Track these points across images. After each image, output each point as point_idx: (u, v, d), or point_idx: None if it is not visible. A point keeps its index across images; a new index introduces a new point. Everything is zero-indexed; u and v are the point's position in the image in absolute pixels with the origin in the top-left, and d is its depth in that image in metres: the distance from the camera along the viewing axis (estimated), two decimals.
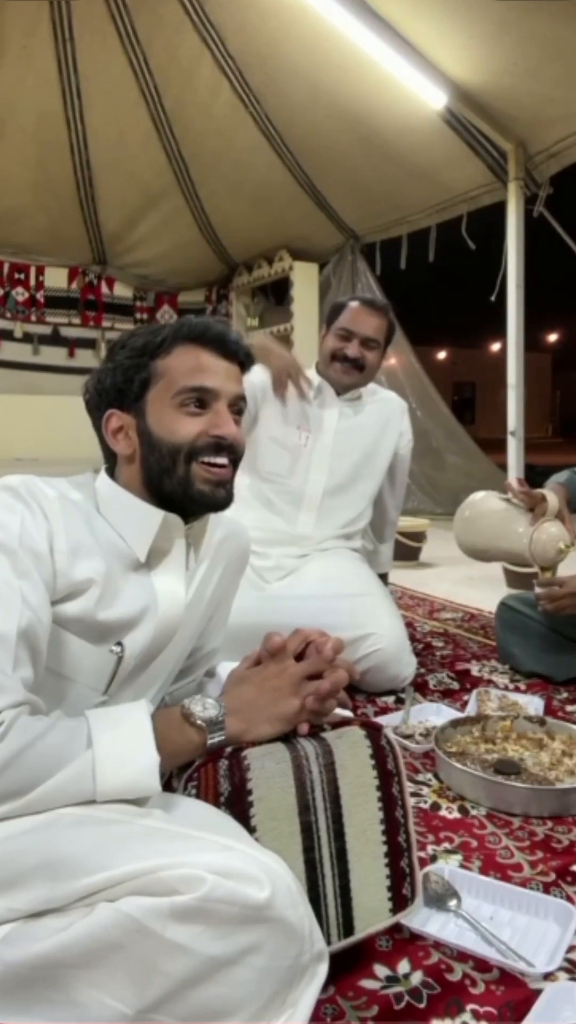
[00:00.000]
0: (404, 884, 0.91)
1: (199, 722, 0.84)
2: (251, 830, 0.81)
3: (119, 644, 0.92)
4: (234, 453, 0.98)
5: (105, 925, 0.64)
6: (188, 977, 0.64)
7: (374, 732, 0.94)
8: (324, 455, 2.08)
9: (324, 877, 0.85)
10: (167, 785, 0.86)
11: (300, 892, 0.71)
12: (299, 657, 0.93)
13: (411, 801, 1.23)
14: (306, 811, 0.85)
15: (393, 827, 0.91)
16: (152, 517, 0.95)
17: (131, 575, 0.95)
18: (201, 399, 0.95)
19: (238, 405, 0.99)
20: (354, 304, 2.07)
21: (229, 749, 0.85)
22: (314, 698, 0.89)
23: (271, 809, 0.83)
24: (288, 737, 0.89)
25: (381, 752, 0.93)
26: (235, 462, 0.98)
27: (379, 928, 0.90)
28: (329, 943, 0.83)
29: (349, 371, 2.06)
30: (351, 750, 0.91)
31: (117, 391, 0.97)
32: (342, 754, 0.90)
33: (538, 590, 1.92)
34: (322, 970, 0.72)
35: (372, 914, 0.88)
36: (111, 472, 1.01)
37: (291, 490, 2.08)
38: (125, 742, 0.77)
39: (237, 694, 0.90)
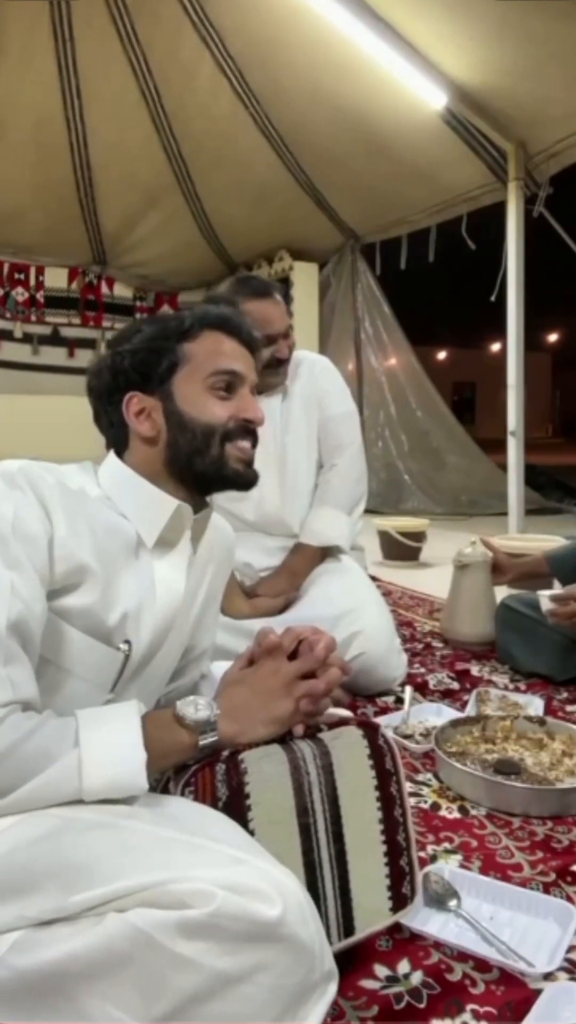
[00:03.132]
0: (404, 883, 0.91)
1: (190, 723, 0.83)
2: (250, 834, 0.81)
3: (127, 642, 0.91)
4: (255, 436, 1.01)
5: (114, 936, 0.64)
6: (196, 992, 0.63)
7: (371, 732, 0.93)
8: (271, 467, 2.02)
9: (324, 879, 0.85)
10: (164, 790, 0.85)
11: (311, 909, 0.70)
12: (292, 656, 0.92)
13: (410, 801, 1.23)
14: (304, 813, 0.85)
15: (392, 826, 0.91)
16: (165, 504, 0.96)
17: (132, 563, 0.94)
18: (230, 383, 0.98)
19: (254, 392, 1.03)
20: (250, 305, 1.86)
21: (226, 753, 0.84)
22: (308, 700, 0.88)
23: (269, 812, 0.83)
24: (285, 739, 0.89)
25: (379, 751, 0.92)
26: (255, 443, 1.02)
27: (379, 928, 0.90)
28: (330, 944, 0.83)
29: (279, 371, 1.99)
30: (348, 750, 0.91)
31: (139, 374, 0.98)
32: (339, 755, 0.89)
33: (550, 606, 1.89)
34: (332, 989, 0.71)
35: (372, 914, 0.88)
36: (120, 457, 1.01)
37: (250, 511, 2.03)
38: (113, 741, 0.77)
39: (230, 696, 0.89)
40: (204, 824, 0.77)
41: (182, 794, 0.82)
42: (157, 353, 0.97)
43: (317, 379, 2.10)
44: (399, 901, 0.90)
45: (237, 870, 0.67)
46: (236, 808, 0.81)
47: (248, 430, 0.99)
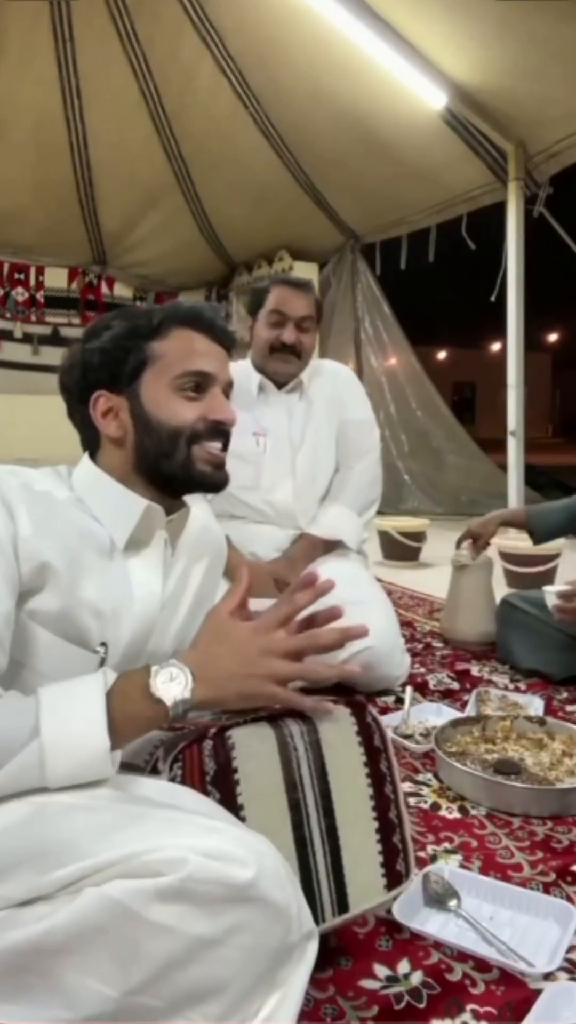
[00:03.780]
0: (397, 860, 0.91)
1: (166, 703, 0.79)
2: (239, 808, 0.81)
3: (103, 644, 0.91)
4: (228, 437, 1.00)
5: (89, 908, 0.64)
6: (173, 958, 0.64)
7: (359, 710, 0.94)
8: (285, 461, 2.05)
9: (315, 854, 0.85)
10: (153, 769, 0.85)
11: (288, 873, 0.71)
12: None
13: (409, 799, 1.24)
14: (293, 788, 0.85)
15: (383, 803, 0.91)
16: (134, 506, 0.95)
17: (106, 564, 0.93)
18: (199, 383, 0.96)
19: (227, 391, 1.01)
20: (279, 286, 2.00)
21: (213, 729, 0.85)
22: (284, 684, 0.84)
23: (258, 787, 0.83)
24: (273, 716, 0.90)
25: (367, 729, 0.93)
26: (227, 445, 1.00)
27: (374, 905, 0.90)
28: (324, 920, 0.83)
29: (288, 359, 2.00)
30: (336, 727, 0.91)
31: (108, 373, 0.96)
32: (327, 731, 0.90)
33: (556, 602, 1.88)
34: (311, 949, 0.71)
35: (366, 891, 0.88)
36: (93, 457, 1.00)
37: (260, 500, 2.06)
38: (75, 729, 0.74)
39: (211, 654, 0.84)
40: (178, 799, 0.77)
41: (170, 770, 0.82)
42: (125, 351, 0.95)
43: (339, 386, 2.14)
44: (394, 878, 0.90)
45: (210, 836, 0.68)
46: (224, 783, 0.82)
47: (219, 431, 0.97)
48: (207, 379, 0.97)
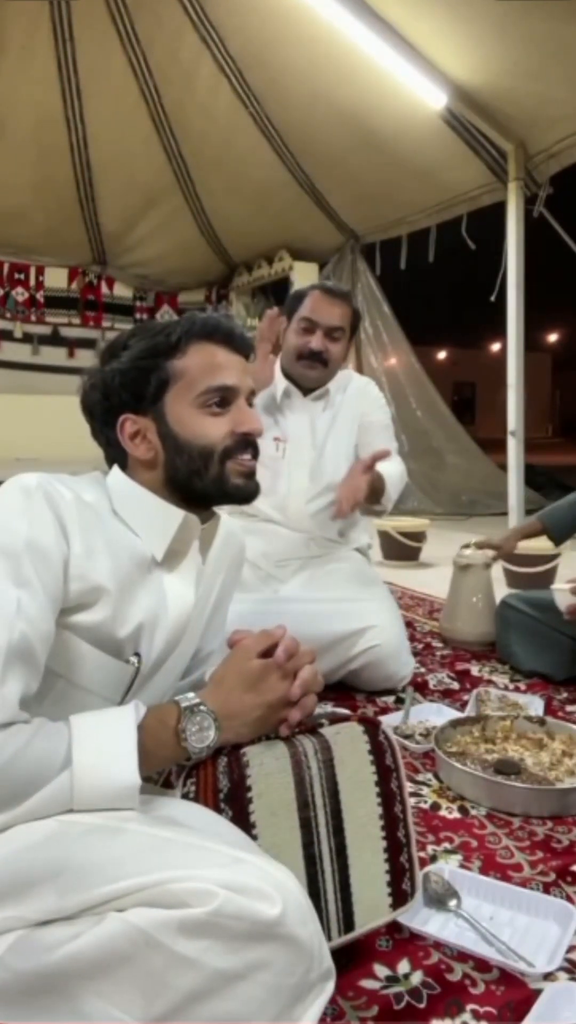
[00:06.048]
0: (404, 879, 0.91)
1: (193, 751, 0.82)
2: (251, 826, 0.81)
3: (136, 655, 0.91)
4: (256, 446, 0.99)
5: (114, 936, 0.64)
6: (196, 991, 0.63)
7: (372, 728, 0.94)
8: (303, 468, 2.05)
9: (324, 872, 0.85)
10: (166, 782, 0.86)
11: (310, 909, 0.71)
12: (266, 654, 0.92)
13: (410, 800, 1.23)
14: (305, 807, 0.85)
15: (392, 822, 0.91)
16: (172, 517, 0.94)
17: (145, 578, 0.93)
18: (224, 398, 0.96)
19: (250, 399, 1.00)
20: (315, 293, 2.00)
21: (228, 747, 0.85)
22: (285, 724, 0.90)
23: (270, 805, 0.83)
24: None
25: (379, 748, 0.93)
26: (256, 454, 1.00)
27: (379, 924, 0.90)
28: (329, 939, 0.83)
29: (313, 366, 1.99)
30: (349, 746, 0.91)
31: (130, 394, 0.95)
32: (340, 750, 0.90)
33: (572, 600, 1.85)
34: (329, 987, 0.71)
35: (372, 910, 0.88)
36: (123, 469, 0.99)
37: (274, 505, 2.06)
38: (105, 763, 0.75)
39: (236, 701, 0.87)
40: (202, 825, 0.77)
41: (184, 786, 0.83)
42: (146, 372, 0.94)
43: (364, 398, 2.15)
44: (399, 898, 0.90)
45: (237, 869, 0.67)
46: (237, 800, 0.82)
47: (248, 443, 0.97)
48: (231, 392, 0.96)
